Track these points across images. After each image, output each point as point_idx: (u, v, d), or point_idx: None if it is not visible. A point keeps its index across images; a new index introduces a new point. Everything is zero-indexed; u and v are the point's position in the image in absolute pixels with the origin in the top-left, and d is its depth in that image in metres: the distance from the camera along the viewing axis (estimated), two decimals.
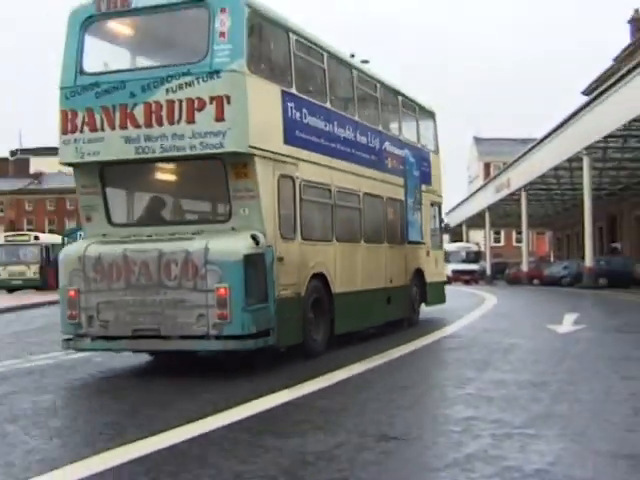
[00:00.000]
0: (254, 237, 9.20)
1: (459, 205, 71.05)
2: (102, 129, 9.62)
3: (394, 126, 15.26)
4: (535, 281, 46.05)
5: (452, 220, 65.80)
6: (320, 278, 10.95)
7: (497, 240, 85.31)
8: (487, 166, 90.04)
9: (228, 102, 9.12)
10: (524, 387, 7.79)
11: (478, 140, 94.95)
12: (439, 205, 17.67)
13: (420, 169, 16.03)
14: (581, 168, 35.47)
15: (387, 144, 14.34)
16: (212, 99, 9.14)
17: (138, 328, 9.25)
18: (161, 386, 8.62)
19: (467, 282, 50.01)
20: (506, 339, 12.39)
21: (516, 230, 79.05)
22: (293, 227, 10.34)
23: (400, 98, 15.28)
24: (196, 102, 9.19)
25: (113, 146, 9.58)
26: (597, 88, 35.40)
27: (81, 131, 9.72)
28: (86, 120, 9.69)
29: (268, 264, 9.41)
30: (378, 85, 14.11)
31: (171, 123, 9.32)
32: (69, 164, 10.18)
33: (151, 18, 10.11)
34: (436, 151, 17.37)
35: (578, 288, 35.18)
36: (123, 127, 9.52)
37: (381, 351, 10.85)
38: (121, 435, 5.98)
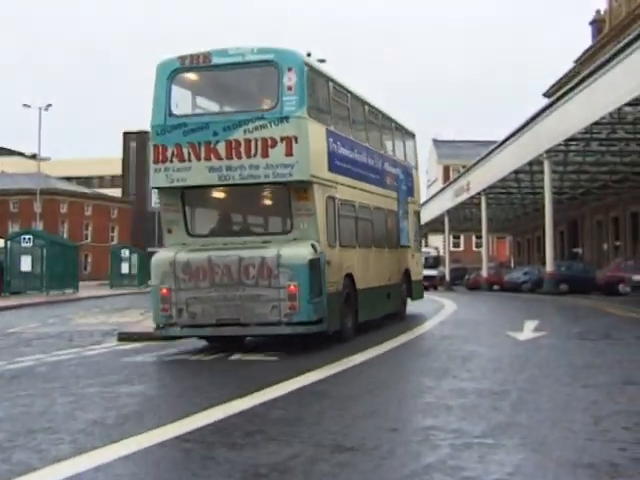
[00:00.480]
0: (313, 246, 12.38)
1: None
2: (189, 160, 12.61)
3: (390, 148, 18.56)
4: (495, 287, 46.53)
5: None
6: (349, 277, 14.08)
7: (456, 245, 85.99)
8: (446, 169, 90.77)
9: (295, 141, 12.26)
10: (484, 396, 7.86)
11: (437, 143, 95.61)
12: (418, 213, 21.39)
13: (407, 184, 19.51)
14: (542, 172, 35.89)
15: (386, 164, 17.68)
16: (282, 139, 12.27)
17: (221, 318, 12.19)
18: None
19: (426, 288, 50.24)
20: (465, 346, 12.49)
21: (476, 235, 79.77)
22: (334, 237, 13.57)
23: (393, 124, 18.76)
24: (269, 141, 12.31)
25: (199, 174, 12.61)
26: (558, 90, 35.85)
27: (171, 161, 12.67)
28: (175, 153, 12.65)
29: (322, 267, 12.49)
30: (380, 115, 17.48)
31: (248, 157, 12.38)
32: (160, 188, 13.12)
33: (228, 73, 13.15)
34: (416, 167, 21.09)
35: (539, 294, 35.59)
36: (207, 159, 12.55)
37: (334, 360, 10.88)
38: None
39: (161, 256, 12.78)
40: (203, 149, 12.58)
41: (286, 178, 12.35)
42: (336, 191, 13.77)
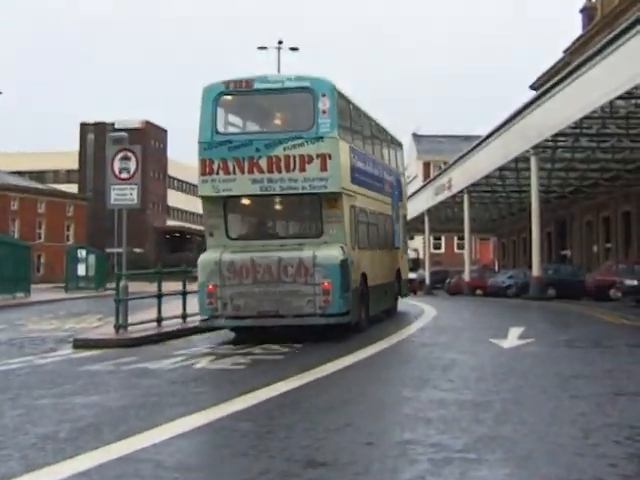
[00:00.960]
0: (342, 248, 15.52)
1: None
2: (234, 173, 15.59)
3: (386, 158, 21.94)
4: (478, 291, 46.73)
5: None
6: (363, 276, 17.15)
7: (437, 247, 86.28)
8: (427, 166, 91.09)
9: (329, 158, 15.43)
10: (465, 407, 7.89)
11: (417, 137, 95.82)
12: (405, 217, 25.13)
13: (398, 189, 23.14)
14: (528, 169, 36.08)
15: (385, 173, 21.19)
16: (318, 156, 15.40)
17: (262, 310, 15.20)
18: None
19: None
20: (446, 354, 12.54)
21: (458, 236, 80.00)
22: (355, 240, 16.77)
23: (388, 136, 22.43)
24: (306, 157, 15.40)
25: (243, 185, 15.63)
26: (546, 82, 36.04)
27: (217, 173, 15.64)
28: (221, 166, 15.60)
29: (349, 266, 15.56)
30: (380, 129, 21.04)
31: (287, 171, 15.44)
32: (206, 197, 16.07)
33: (269, 97, 16.17)
34: (403, 173, 25.60)
35: (525, 299, 35.77)
36: (250, 172, 15.55)
37: (307, 368, 10.88)
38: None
39: (207, 257, 15.74)
40: (247, 163, 15.62)
41: (321, 190, 15.58)
42: (356, 200, 17.08)
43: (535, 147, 33.94)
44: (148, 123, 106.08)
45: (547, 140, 33.17)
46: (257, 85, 15.85)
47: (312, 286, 15.07)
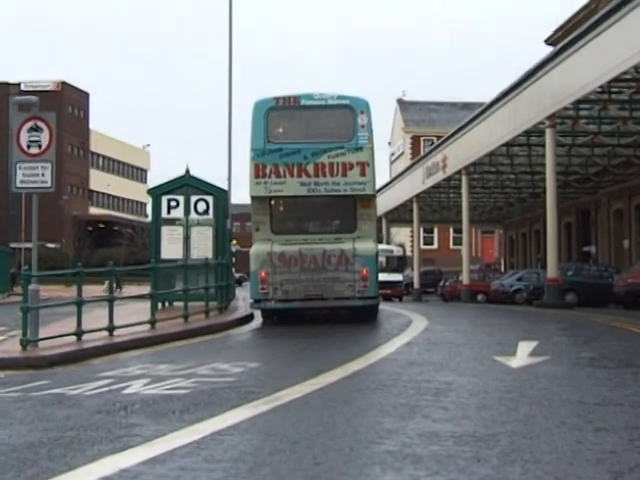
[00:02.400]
0: (374, 242, 24.09)
1: (378, 192, 71.48)
2: (284, 176, 23.70)
3: None
4: (480, 297, 47.04)
5: None
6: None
7: (429, 241, 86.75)
8: (416, 140, 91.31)
9: (368, 165, 23.73)
10: (464, 442, 7.89)
11: (404, 105, 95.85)
12: None
13: None
14: (543, 144, 36.27)
15: None
16: (358, 163, 23.62)
17: (308, 294, 23.24)
18: None
19: (388, 298, 50.59)
20: (440, 376, 12.56)
21: (454, 228, 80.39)
22: (376, 235, 25.17)
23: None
24: (347, 165, 23.58)
25: (292, 187, 23.84)
26: (566, 35, 36.14)
27: (269, 177, 23.66)
28: (273, 171, 23.64)
29: (378, 257, 24.80)
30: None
31: (331, 176, 23.62)
32: (258, 197, 24.29)
33: (314, 112, 24.42)
34: None
35: (538, 307, 35.95)
36: (299, 176, 23.69)
37: (264, 393, 10.94)
38: None
39: (259, 249, 23.94)
40: (296, 168, 23.92)
41: (360, 192, 24.23)
42: (375, 201, 25.84)
43: (551, 117, 34.06)
44: (64, 84, 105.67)
45: (566, 108, 33.35)
46: (303, 102, 24.25)
47: (352, 273, 23.44)
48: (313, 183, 23.77)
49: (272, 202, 24.46)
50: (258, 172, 23.76)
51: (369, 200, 24.50)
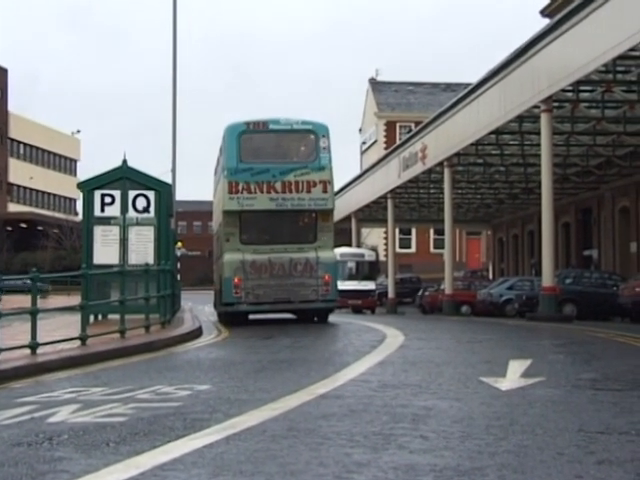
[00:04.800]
0: (333, 251, 34.05)
1: (347, 187, 71.32)
2: (255, 192, 32.56)
3: None
4: (464, 308, 47.31)
5: (336, 210, 66.43)
6: None
7: (405, 244, 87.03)
8: (391, 126, 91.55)
9: (329, 183, 33.26)
10: (445, 477, 7.90)
11: (377, 86, 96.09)
12: None
13: None
14: (538, 132, 36.36)
15: None
16: (320, 181, 32.94)
17: (277, 297, 32.49)
18: None
19: (357, 309, 50.69)
20: (418, 400, 12.58)
21: (435, 229, 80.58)
22: (333, 245, 35.11)
23: None
24: (311, 182, 32.83)
25: (262, 202, 32.72)
26: (565, 5, 36.28)
27: (241, 193, 32.43)
28: (245, 187, 32.45)
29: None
30: None
31: (297, 192, 32.75)
32: (231, 211, 33.05)
33: (281, 136, 34.28)
34: None
35: (531, 320, 36.10)
36: (268, 192, 32.63)
37: (212, 421, 10.90)
38: None
39: (232, 257, 32.01)
40: (265, 186, 32.08)
41: (322, 207, 32.77)
42: (333, 214, 34.44)
43: (547, 100, 34.18)
44: None
45: (565, 90, 33.51)
46: (271, 126, 32.82)
47: (315, 279, 31.91)
48: (281, 199, 32.36)
49: (242, 215, 32.67)
50: (232, 189, 32.15)
51: (328, 214, 33.51)
